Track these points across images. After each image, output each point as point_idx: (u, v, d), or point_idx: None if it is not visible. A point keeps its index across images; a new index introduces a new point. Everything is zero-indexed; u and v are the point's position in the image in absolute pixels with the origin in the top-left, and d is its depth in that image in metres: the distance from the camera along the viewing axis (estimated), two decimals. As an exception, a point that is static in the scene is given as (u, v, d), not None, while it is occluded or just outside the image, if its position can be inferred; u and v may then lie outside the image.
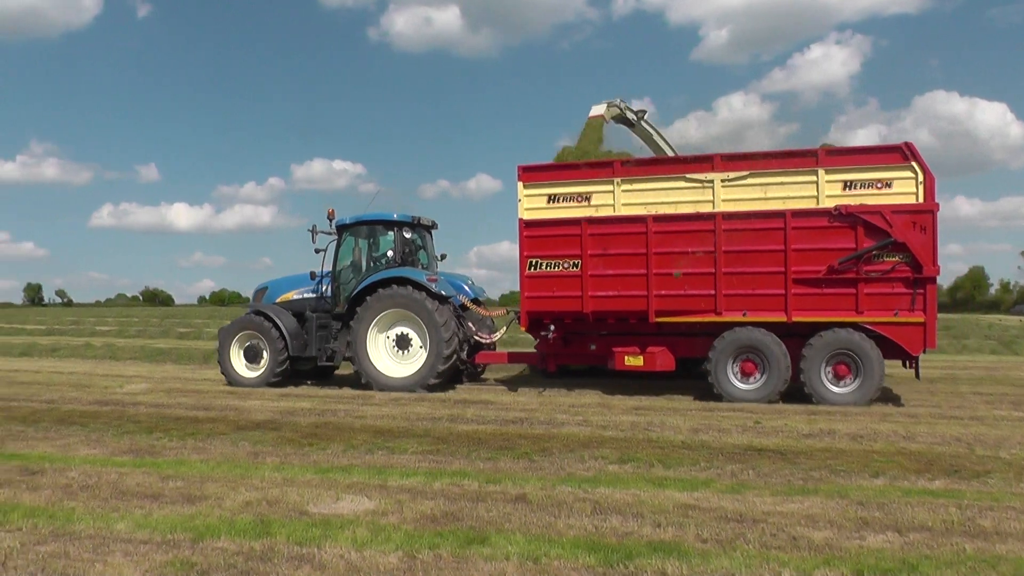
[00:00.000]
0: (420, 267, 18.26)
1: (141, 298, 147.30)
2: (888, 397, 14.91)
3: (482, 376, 19.56)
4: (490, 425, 12.09)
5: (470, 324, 17.88)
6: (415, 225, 18.31)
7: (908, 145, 13.93)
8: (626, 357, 15.56)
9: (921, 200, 13.81)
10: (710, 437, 10.90)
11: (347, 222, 18.10)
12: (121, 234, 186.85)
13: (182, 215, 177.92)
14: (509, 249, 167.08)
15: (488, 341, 17.97)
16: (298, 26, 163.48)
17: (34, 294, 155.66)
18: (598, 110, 18.05)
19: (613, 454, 9.78)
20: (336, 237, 18.21)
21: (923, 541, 6.48)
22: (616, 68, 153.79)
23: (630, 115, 18.57)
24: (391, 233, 18.06)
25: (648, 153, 18.16)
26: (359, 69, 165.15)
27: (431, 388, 16.71)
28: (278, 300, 18.86)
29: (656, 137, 18.84)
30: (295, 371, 18.62)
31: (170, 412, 14.07)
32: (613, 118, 18.33)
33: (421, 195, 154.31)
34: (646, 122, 18.82)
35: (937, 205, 13.81)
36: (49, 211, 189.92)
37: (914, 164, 13.84)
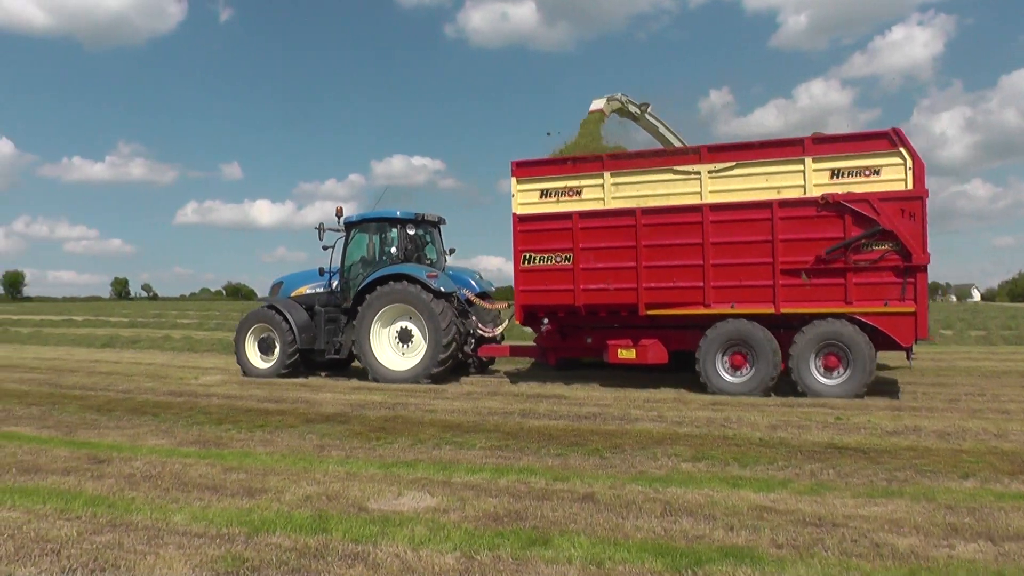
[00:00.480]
0: (427, 263, 19.01)
1: (224, 293, 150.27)
2: (972, 391, 14.28)
3: (491, 368, 20.08)
4: (562, 420, 11.89)
5: (474, 318, 18.43)
6: (419, 222, 18.99)
7: (896, 131, 13.81)
8: (619, 350, 15.83)
9: (910, 187, 13.68)
10: (789, 434, 10.53)
11: (354, 219, 18.97)
12: (205, 230, 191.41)
13: (264, 212, 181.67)
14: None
15: (491, 335, 18.41)
16: (376, 25, 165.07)
17: (121, 288, 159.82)
18: (598, 104, 18.15)
19: (687, 451, 9.51)
20: (344, 234, 19.07)
21: (1020, 552, 6.10)
22: (693, 58, 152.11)
23: (632, 108, 18.69)
24: (395, 230, 18.75)
25: (656, 147, 18.01)
26: (437, 66, 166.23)
27: (428, 380, 17.22)
28: (292, 294, 19.75)
29: (662, 130, 19.09)
30: (312, 363, 19.57)
31: (241, 404, 14.20)
32: (616, 112, 18.44)
33: (499, 190, 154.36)
34: (651, 115, 19.01)
35: (927, 191, 13.63)
36: (136, 209, 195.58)
37: (902, 150, 13.72)
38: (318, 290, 19.52)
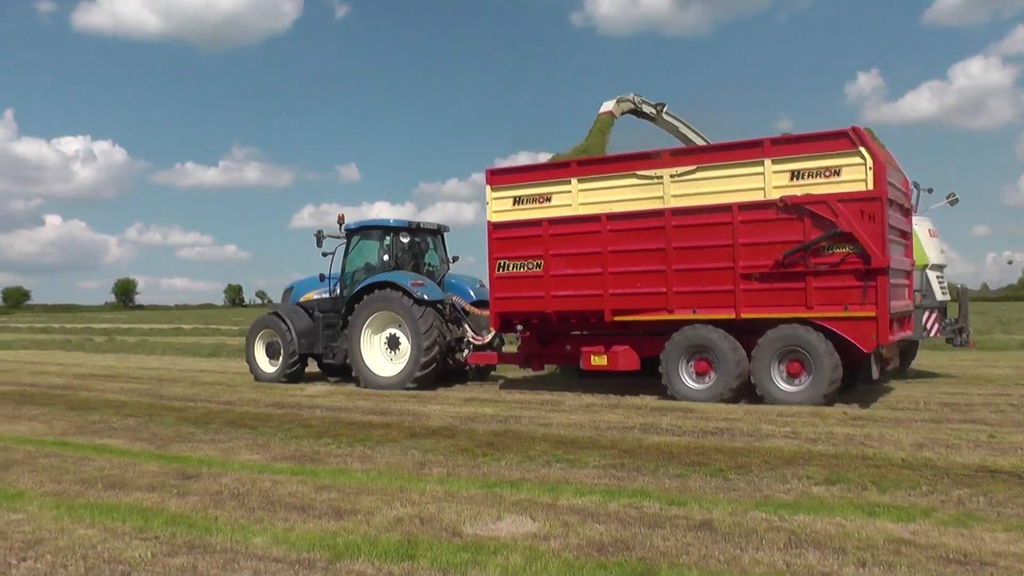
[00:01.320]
0: (425, 270, 20.63)
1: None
2: None
3: (491, 374, 21.37)
4: (685, 436, 11.65)
5: (467, 326, 19.56)
6: (414, 230, 20.52)
7: (855, 130, 14.19)
8: (592, 356, 16.72)
9: (871, 187, 14.02)
10: (935, 454, 10.05)
11: (353, 227, 20.60)
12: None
13: (384, 214, 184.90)
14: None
15: (481, 341, 19.35)
16: (498, 17, 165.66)
17: (235, 295, 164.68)
18: (607, 107, 19.11)
19: (820, 473, 9.15)
20: (346, 241, 20.70)
21: None
22: (839, 38, 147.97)
23: (647, 108, 19.68)
24: (388, 238, 20.27)
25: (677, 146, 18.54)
26: (563, 57, 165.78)
27: (414, 388, 18.50)
28: (301, 300, 21.54)
29: (683, 128, 19.98)
30: (326, 367, 21.53)
31: (345, 416, 14.37)
32: (630, 113, 19.52)
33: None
34: (668, 114, 19.97)
35: (886, 192, 14.01)
36: (251, 214, 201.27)
37: (862, 149, 14.07)
38: (323, 295, 21.10)
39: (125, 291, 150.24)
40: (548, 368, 21.02)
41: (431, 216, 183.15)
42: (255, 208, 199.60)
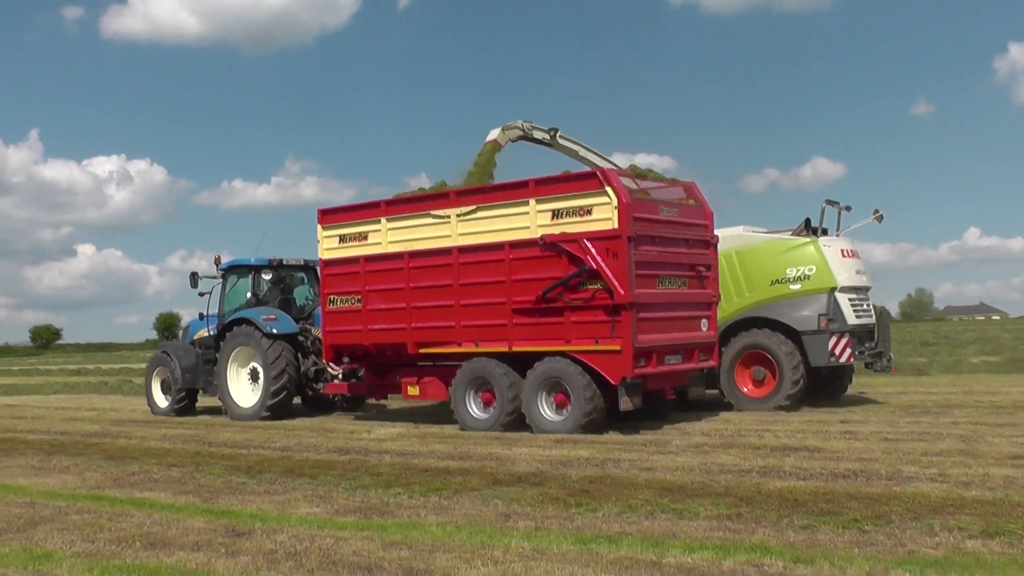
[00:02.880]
0: (294, 305, 25.08)
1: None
2: None
3: (366, 403, 25.16)
4: (812, 480, 11.53)
5: (313, 357, 23.55)
6: (276, 267, 24.81)
7: (603, 170, 17.75)
8: (408, 387, 20.09)
9: (616, 226, 16.79)
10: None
11: (224, 267, 24.88)
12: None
13: None
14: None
15: (335, 372, 22.05)
16: (582, 6, 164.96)
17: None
18: (493, 135, 22.14)
19: (975, 524, 8.99)
20: (221, 280, 25.00)
21: None
22: (986, 2, 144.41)
23: (539, 134, 22.60)
24: (251, 276, 24.65)
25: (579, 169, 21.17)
26: (660, 44, 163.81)
27: (268, 417, 22.47)
28: (195, 337, 25.91)
29: (583, 151, 22.81)
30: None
31: (418, 462, 14.50)
32: (522, 139, 22.54)
33: (745, 188, 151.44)
34: (563, 138, 22.81)
35: (629, 230, 16.68)
36: (309, 235, 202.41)
37: (608, 189, 16.88)
38: (211, 332, 25.03)
39: (168, 326, 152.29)
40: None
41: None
42: (313, 228, 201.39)
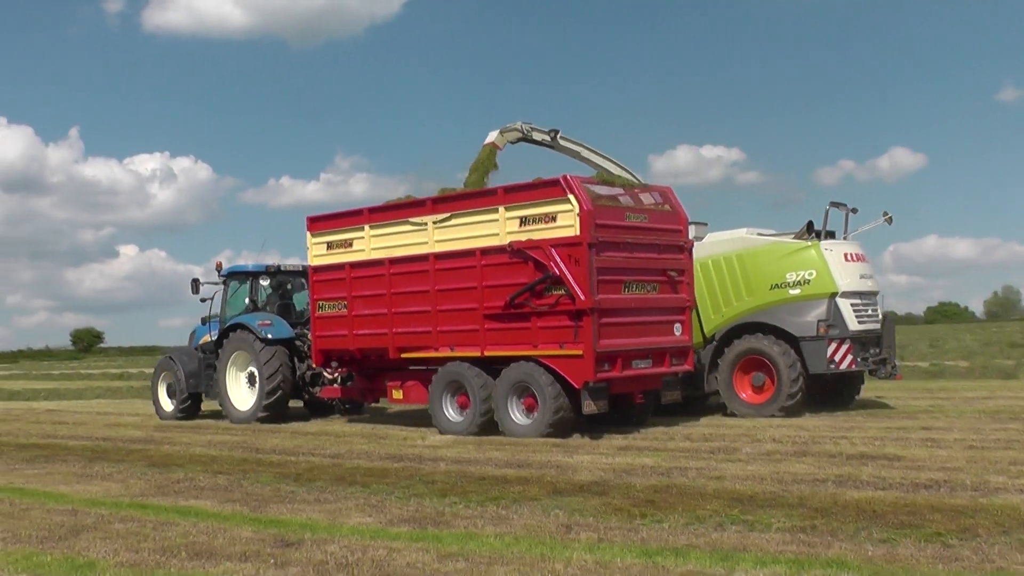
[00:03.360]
0: (293, 310, 26.81)
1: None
2: None
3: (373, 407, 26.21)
4: (892, 491, 11.47)
5: (309, 361, 24.75)
6: (274, 273, 26.71)
7: (565, 178, 18.38)
8: (393, 391, 21.93)
9: (577, 233, 17.96)
10: None
11: (224, 273, 26.93)
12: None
13: None
14: (936, 247, 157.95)
15: (330, 377, 23.67)
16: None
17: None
18: (491, 137, 23.03)
19: (1069, 538, 8.89)
20: (224, 286, 26.86)
21: None
22: None
23: (538, 136, 23.34)
24: (249, 282, 26.65)
25: (587, 172, 21.85)
26: (728, 25, 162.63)
27: (263, 420, 24.19)
28: (200, 342, 27.60)
29: (586, 152, 23.43)
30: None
31: (475, 470, 14.58)
32: (523, 141, 23.28)
33: (818, 181, 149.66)
34: (565, 139, 23.46)
35: (589, 237, 17.81)
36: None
37: (571, 196, 18.08)
38: (211, 338, 26.88)
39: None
40: None
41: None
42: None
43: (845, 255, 21.61)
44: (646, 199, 19.97)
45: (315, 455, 17.15)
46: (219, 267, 27.19)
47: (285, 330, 25.09)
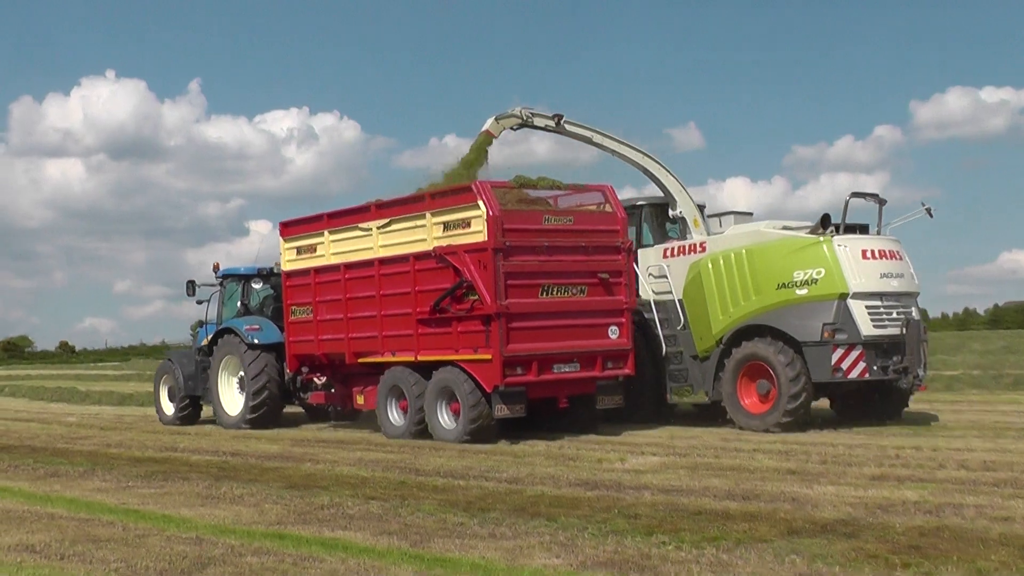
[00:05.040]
0: None
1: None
2: None
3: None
4: None
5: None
6: (266, 276, 30.98)
7: (476, 184, 22.66)
8: (357, 396, 26.37)
9: (485, 238, 21.79)
10: None
11: (220, 275, 31.40)
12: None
13: (738, 193, 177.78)
14: None
15: (319, 382, 27.57)
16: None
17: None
18: (486, 125, 26.65)
19: None
20: (220, 288, 31.56)
21: None
22: None
23: (541, 122, 26.89)
24: (242, 284, 31.15)
25: (606, 160, 27.43)
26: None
27: (251, 426, 28.42)
28: (202, 343, 31.68)
29: (597, 138, 26.97)
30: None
31: (688, 502, 14.39)
32: (526, 127, 27.05)
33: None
34: (572, 123, 26.94)
35: (496, 242, 21.65)
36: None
37: (481, 202, 21.90)
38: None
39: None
40: None
41: (813, 196, 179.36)
42: None
43: (863, 252, 23.28)
44: (576, 200, 24.25)
45: (489, 479, 17.20)
46: (216, 268, 31.79)
47: (274, 334, 29.14)
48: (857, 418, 23.97)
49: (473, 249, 22.05)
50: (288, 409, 31.03)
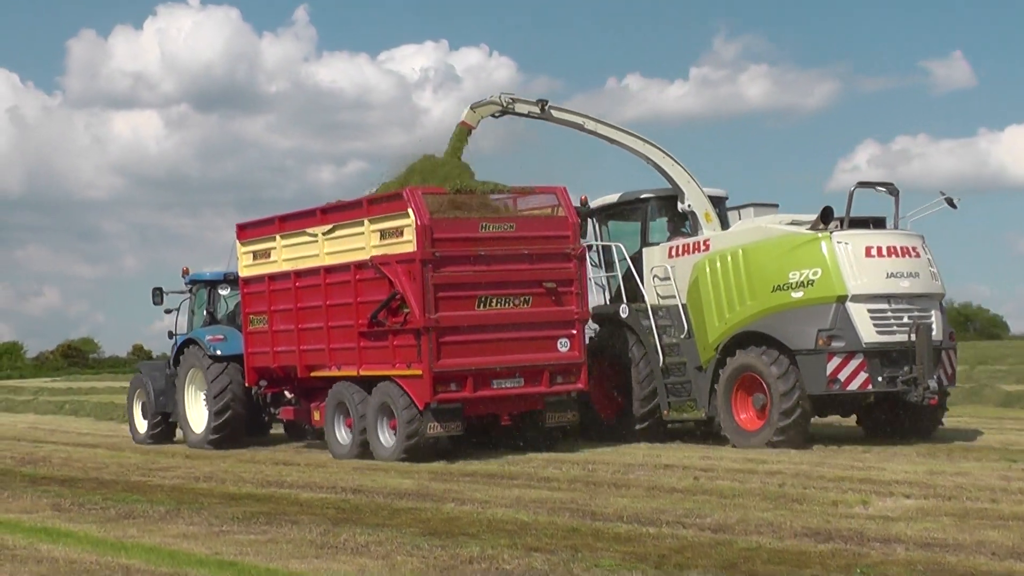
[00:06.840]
0: None
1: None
2: None
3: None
4: None
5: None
6: (233, 281, 33.92)
7: (408, 192, 25.70)
8: (314, 413, 29.43)
9: (414, 249, 25.01)
10: None
11: (188, 280, 35.54)
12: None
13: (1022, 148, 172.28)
14: None
15: (289, 397, 31.33)
16: None
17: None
18: (463, 116, 30.07)
19: None
20: (190, 295, 36.07)
21: None
22: None
23: (524, 108, 30.31)
24: (207, 291, 35.41)
25: (598, 147, 30.35)
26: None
27: (215, 446, 32.31)
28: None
29: (590, 124, 30.29)
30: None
31: (956, 560, 13.71)
32: (504, 115, 30.40)
33: None
34: (559, 108, 30.65)
35: (424, 253, 24.78)
36: (751, 159, 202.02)
37: (410, 211, 25.11)
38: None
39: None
40: None
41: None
42: (757, 149, 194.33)
43: (867, 249, 25.48)
44: (521, 204, 27.40)
45: (686, 525, 16.61)
46: (185, 273, 36.00)
47: (239, 346, 32.31)
48: (886, 436, 26.23)
49: (403, 259, 25.26)
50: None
